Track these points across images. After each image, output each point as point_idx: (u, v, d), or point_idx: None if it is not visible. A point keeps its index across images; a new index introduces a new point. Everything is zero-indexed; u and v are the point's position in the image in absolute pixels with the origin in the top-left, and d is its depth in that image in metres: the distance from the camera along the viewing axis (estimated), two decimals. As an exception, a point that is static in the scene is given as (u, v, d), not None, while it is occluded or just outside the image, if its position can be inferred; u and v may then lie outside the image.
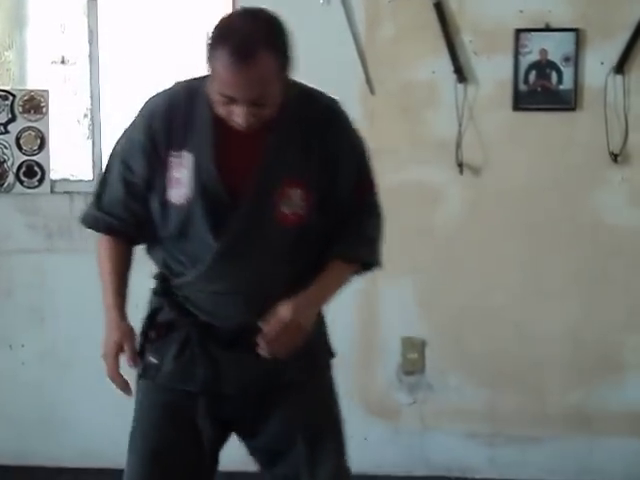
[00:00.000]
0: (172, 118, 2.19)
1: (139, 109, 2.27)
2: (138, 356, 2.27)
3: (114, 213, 2.27)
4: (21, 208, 3.86)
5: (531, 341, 3.77)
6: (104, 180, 2.30)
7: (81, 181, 3.91)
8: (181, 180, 2.19)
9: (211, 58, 2.06)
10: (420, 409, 3.84)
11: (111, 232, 2.30)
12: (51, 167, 3.86)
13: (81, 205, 3.79)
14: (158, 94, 2.26)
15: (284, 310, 2.18)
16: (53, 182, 3.87)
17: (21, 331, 3.90)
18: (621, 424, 3.77)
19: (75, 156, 4.02)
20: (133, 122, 2.26)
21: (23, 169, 3.84)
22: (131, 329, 2.27)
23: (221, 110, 2.10)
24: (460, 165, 3.67)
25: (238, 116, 2.08)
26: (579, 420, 3.79)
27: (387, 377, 3.83)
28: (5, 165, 3.84)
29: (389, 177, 3.71)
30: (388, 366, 3.82)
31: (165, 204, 2.21)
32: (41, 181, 3.85)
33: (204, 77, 2.16)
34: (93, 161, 3.88)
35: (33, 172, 3.85)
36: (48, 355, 3.89)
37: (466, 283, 3.77)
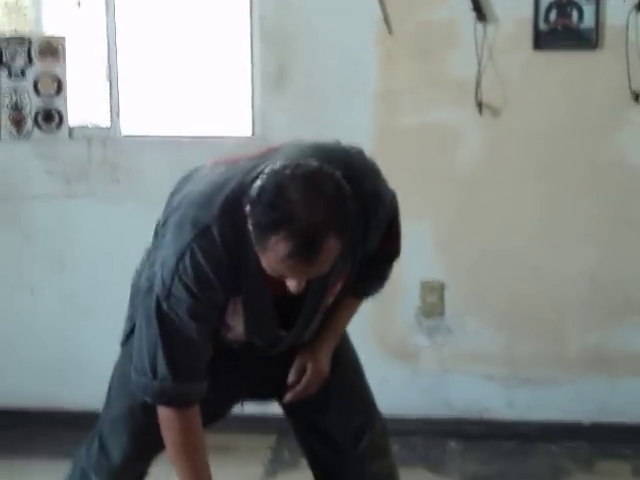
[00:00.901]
0: (232, 265, 1.99)
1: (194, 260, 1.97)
2: None
3: (195, 378, 2.09)
4: (39, 154, 3.86)
5: (550, 283, 3.76)
6: (170, 347, 2.03)
7: (99, 127, 3.91)
8: (234, 327, 2.13)
9: (263, 241, 1.83)
10: (439, 352, 3.85)
11: (191, 402, 2.10)
12: (69, 113, 3.86)
13: (99, 151, 3.80)
14: (213, 242, 1.97)
15: (314, 366, 2.28)
16: (71, 128, 3.86)
17: (41, 276, 3.93)
18: (640, 365, 3.77)
19: (92, 102, 4.01)
20: (196, 278, 1.98)
21: (41, 115, 3.84)
22: None
23: (271, 274, 1.91)
24: (479, 105, 3.63)
25: (291, 284, 1.92)
26: (598, 362, 3.79)
27: (406, 320, 3.84)
28: (23, 111, 3.83)
29: (407, 119, 3.70)
30: (407, 309, 3.82)
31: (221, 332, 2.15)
32: (59, 127, 3.84)
33: (231, 207, 1.95)
34: (110, 106, 3.87)
35: (51, 117, 3.84)
36: (68, 300, 3.91)
37: (485, 226, 3.76)
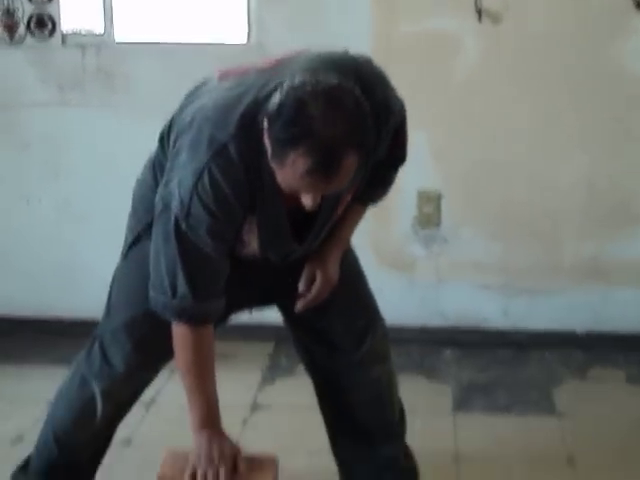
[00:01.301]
0: (249, 183, 2.00)
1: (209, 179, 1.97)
2: None
3: (214, 296, 2.11)
4: (32, 61, 3.80)
5: (546, 192, 3.75)
6: (190, 266, 2.04)
7: (93, 34, 3.84)
8: (250, 244, 2.14)
9: (281, 156, 1.82)
10: (435, 262, 3.87)
11: (209, 321, 2.13)
12: (62, 19, 3.79)
13: (93, 58, 3.74)
14: (230, 161, 1.97)
15: (331, 269, 2.30)
16: (64, 35, 3.80)
17: (37, 186, 3.90)
18: (636, 275, 3.78)
19: (86, 8, 3.93)
20: (214, 195, 1.98)
21: (34, 20, 3.77)
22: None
23: (286, 190, 1.92)
24: (479, 12, 3.57)
25: (306, 200, 1.91)
26: (593, 271, 3.81)
27: (403, 230, 3.84)
28: (15, 16, 3.76)
29: (405, 27, 3.64)
30: (404, 220, 3.82)
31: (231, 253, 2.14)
32: (52, 34, 3.78)
33: (243, 125, 1.96)
34: (104, 12, 3.80)
35: (44, 24, 3.77)
36: (64, 209, 3.90)
37: (483, 135, 3.73)
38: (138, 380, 2.42)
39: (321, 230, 2.22)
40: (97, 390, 2.37)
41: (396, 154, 2.30)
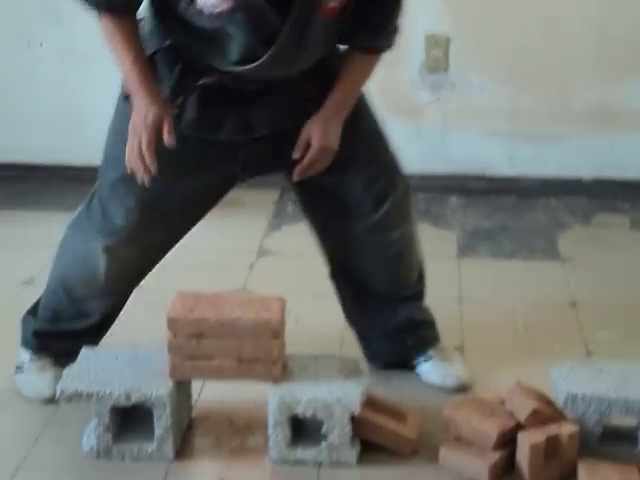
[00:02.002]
0: None
1: None
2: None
3: None
4: None
5: (557, 36, 3.68)
6: None
7: None
8: None
9: None
10: (443, 107, 3.83)
11: (116, 8, 2.11)
12: None
13: None
14: None
15: (319, 140, 2.18)
16: None
17: (38, 28, 3.83)
18: (644, 121, 3.76)
19: None
20: None
21: None
22: (168, 104, 2.13)
23: None
24: None
25: None
26: (602, 117, 3.77)
27: (410, 76, 3.79)
28: None
29: None
30: (411, 64, 3.77)
31: (191, 5, 2.01)
32: None
33: None
34: None
35: None
36: (67, 53, 3.84)
37: (493, -24, 3.64)
38: (140, 237, 2.36)
39: (304, 25, 2.02)
40: (99, 245, 2.35)
41: None
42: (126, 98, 2.21)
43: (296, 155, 2.22)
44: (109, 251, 2.36)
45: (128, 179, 2.21)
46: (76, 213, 2.44)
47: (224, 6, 1.97)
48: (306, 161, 2.22)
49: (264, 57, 2.05)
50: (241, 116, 2.20)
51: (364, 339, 2.62)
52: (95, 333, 2.51)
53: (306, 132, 2.21)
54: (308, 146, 2.22)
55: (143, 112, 2.10)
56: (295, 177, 2.25)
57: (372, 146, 2.38)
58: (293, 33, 2.03)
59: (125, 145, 2.16)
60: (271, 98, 2.20)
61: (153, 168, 2.10)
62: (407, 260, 2.52)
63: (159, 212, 2.32)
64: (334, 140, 2.23)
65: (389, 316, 2.54)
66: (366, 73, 2.29)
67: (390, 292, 2.52)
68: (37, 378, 2.49)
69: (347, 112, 2.26)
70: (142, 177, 2.13)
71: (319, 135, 2.20)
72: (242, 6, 1.97)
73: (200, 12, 2.00)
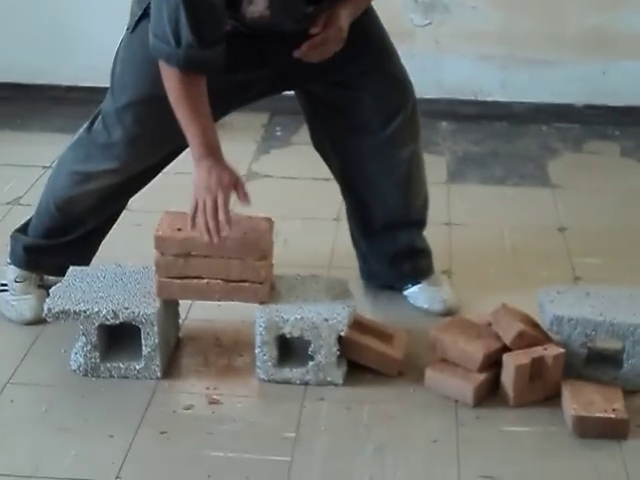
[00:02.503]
0: None
1: None
2: None
3: (217, 43, 2.05)
4: None
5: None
6: (191, 12, 1.98)
7: None
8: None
9: None
10: (435, 31, 3.79)
11: (212, 67, 2.08)
12: None
13: None
14: None
15: (342, 19, 2.15)
16: None
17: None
18: (638, 47, 3.72)
19: None
20: None
21: None
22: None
23: None
24: None
25: None
26: (595, 42, 3.74)
27: (402, -2, 3.75)
28: None
29: None
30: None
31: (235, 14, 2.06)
32: None
33: None
34: None
35: None
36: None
37: None
38: (142, 160, 2.36)
39: None
40: (100, 166, 2.35)
41: None
42: (138, 22, 2.19)
43: (314, 30, 2.16)
44: (110, 172, 2.36)
45: (136, 105, 2.23)
46: (76, 136, 2.43)
47: (264, 13, 2.09)
48: (320, 37, 2.17)
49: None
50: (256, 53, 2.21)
51: (363, 258, 2.64)
52: (86, 246, 2.51)
53: (329, 11, 2.17)
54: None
55: (217, 173, 2.11)
56: (303, 48, 2.17)
57: (383, 63, 2.37)
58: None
59: (136, 73, 2.19)
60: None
61: (229, 227, 2.10)
62: (415, 183, 2.53)
63: (162, 140, 2.31)
64: (345, 24, 2.19)
65: (390, 241, 2.55)
66: None
67: (395, 215, 2.53)
68: (20, 301, 2.49)
69: (357, 12, 2.24)
70: (213, 235, 2.11)
71: (333, 16, 2.16)
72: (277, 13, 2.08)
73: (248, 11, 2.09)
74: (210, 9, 2.01)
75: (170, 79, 2.08)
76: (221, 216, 2.09)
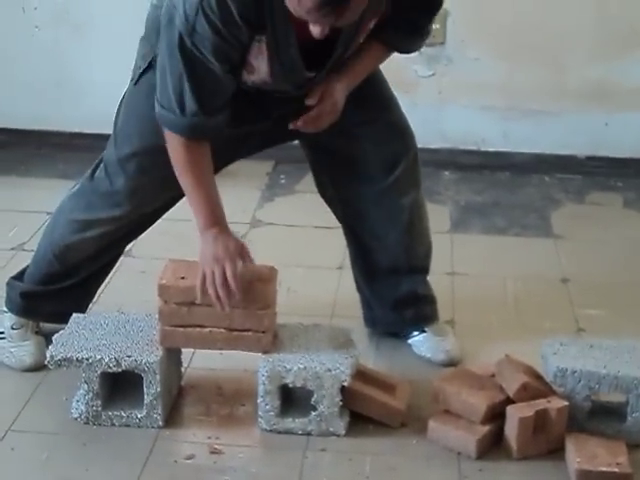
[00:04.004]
0: (257, 3, 1.96)
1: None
2: None
3: (221, 111, 2.09)
4: None
5: (555, 13, 3.66)
6: (196, 82, 2.02)
7: None
8: (259, 68, 2.08)
9: None
10: (438, 81, 3.82)
11: (215, 134, 2.12)
12: None
13: None
14: None
15: (338, 93, 2.19)
16: None
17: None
18: (640, 100, 3.75)
19: None
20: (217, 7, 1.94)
21: None
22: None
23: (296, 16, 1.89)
24: None
25: (315, 30, 1.90)
26: (597, 95, 3.76)
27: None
28: None
29: None
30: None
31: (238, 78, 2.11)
32: None
33: None
34: None
35: None
36: (62, 17, 3.81)
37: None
38: (142, 209, 2.38)
39: (341, 58, 2.15)
40: (100, 215, 2.37)
41: None
42: (142, 75, 2.22)
43: (310, 102, 2.20)
44: (110, 220, 2.38)
45: (138, 156, 2.25)
46: (77, 184, 2.45)
47: (267, 80, 2.11)
48: (316, 111, 2.21)
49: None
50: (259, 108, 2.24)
51: (367, 304, 2.64)
52: (83, 293, 2.52)
53: (325, 85, 2.20)
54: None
55: (223, 243, 2.13)
56: (298, 123, 2.22)
57: (384, 113, 2.40)
58: (329, 71, 2.17)
59: (139, 124, 2.21)
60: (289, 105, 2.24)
61: (238, 295, 2.11)
62: (417, 230, 2.54)
63: (166, 187, 2.31)
64: (340, 98, 2.23)
65: (393, 287, 2.55)
66: (381, 59, 2.33)
67: (397, 261, 2.53)
68: (18, 347, 2.48)
69: (355, 82, 2.27)
70: (224, 305, 2.13)
71: (329, 90, 2.20)
72: (280, 80, 2.11)
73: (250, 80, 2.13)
74: (214, 78, 2.04)
75: (175, 148, 2.12)
76: (232, 286, 2.11)
